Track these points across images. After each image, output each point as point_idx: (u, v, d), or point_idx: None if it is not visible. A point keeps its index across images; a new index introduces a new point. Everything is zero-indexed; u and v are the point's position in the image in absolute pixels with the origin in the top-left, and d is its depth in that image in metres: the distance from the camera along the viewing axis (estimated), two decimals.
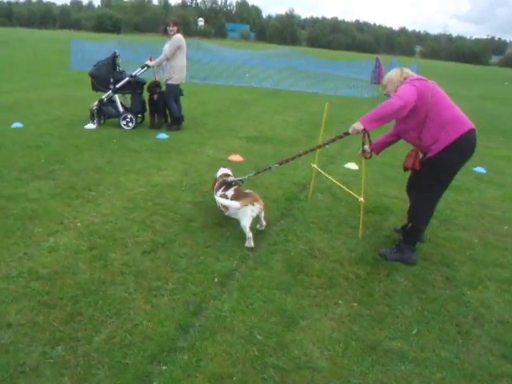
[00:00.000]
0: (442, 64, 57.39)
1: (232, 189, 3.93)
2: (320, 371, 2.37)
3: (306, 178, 5.52)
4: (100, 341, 2.43)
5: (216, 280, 3.12)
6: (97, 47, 18.67)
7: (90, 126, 7.22)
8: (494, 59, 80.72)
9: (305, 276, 3.30)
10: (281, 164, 4.24)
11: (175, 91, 7.56)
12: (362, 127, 3.46)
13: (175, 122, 7.61)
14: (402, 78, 3.59)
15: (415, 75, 3.63)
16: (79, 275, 3.03)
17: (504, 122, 12.29)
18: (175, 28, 7.13)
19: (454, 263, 3.72)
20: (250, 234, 3.63)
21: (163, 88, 7.52)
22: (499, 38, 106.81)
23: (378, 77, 15.68)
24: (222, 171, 4.31)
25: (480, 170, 6.73)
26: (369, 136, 3.69)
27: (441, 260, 3.75)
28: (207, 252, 3.50)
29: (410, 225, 3.66)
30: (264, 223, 3.92)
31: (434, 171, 3.47)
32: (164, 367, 2.30)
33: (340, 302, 3.02)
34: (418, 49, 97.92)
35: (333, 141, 3.88)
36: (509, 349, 2.70)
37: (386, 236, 4.13)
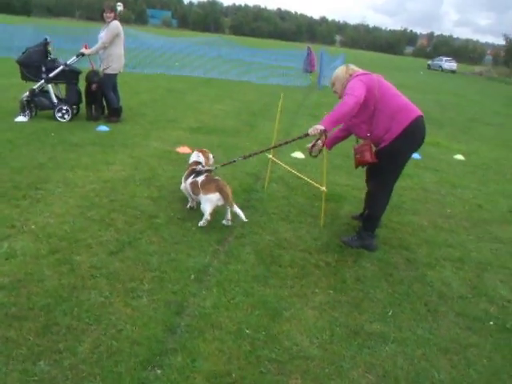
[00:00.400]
0: (364, 54, 60.05)
1: (203, 175, 3.87)
2: (313, 359, 2.44)
3: (256, 167, 5.57)
4: (85, 351, 2.30)
5: (192, 277, 3.07)
6: (10, 31, 17.21)
7: (21, 118, 6.69)
8: (408, 50, 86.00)
9: (278, 267, 3.35)
10: (245, 158, 4.23)
11: (113, 81, 7.23)
12: (322, 128, 3.54)
13: (114, 113, 7.28)
14: (348, 74, 3.72)
15: (360, 70, 3.77)
16: (46, 282, 2.83)
17: (426, 110, 13.16)
18: (112, 14, 6.78)
19: (411, 246, 3.96)
20: (208, 217, 3.69)
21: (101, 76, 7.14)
22: (411, 30, 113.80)
23: (309, 65, 16.05)
24: (193, 157, 4.21)
25: (416, 156, 7.19)
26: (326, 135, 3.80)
27: (399, 244, 3.98)
28: (177, 248, 3.42)
29: (367, 212, 3.82)
30: (229, 218, 3.89)
31: (388, 160, 3.64)
32: (159, 371, 2.24)
33: (317, 290, 3.11)
34: (338, 38, 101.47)
35: (293, 140, 3.95)
36: (471, 321, 2.95)
37: (345, 223, 4.29)
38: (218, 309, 2.76)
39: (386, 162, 3.65)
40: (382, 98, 3.58)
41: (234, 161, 4.19)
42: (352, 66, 3.78)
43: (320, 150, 3.83)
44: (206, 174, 3.93)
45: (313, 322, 2.76)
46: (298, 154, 6.52)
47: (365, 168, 4.03)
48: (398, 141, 3.55)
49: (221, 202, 3.73)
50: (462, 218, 4.83)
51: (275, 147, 4.24)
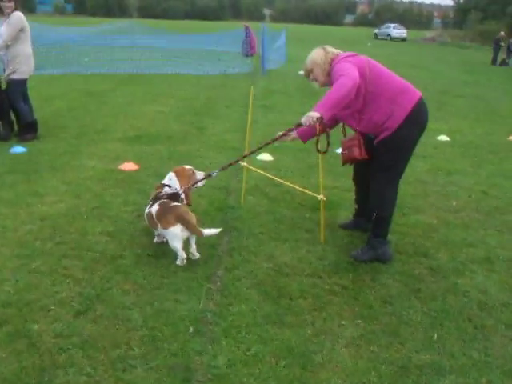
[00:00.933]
0: (303, 28, 61.33)
1: (157, 203, 3.67)
2: None
3: (224, 179, 5.44)
4: None
5: (191, 330, 2.91)
6: None
7: None
8: (349, 19, 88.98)
9: (288, 300, 3.26)
10: (223, 170, 4.10)
11: (23, 88, 6.82)
12: (318, 115, 3.49)
13: (28, 129, 6.86)
14: (329, 58, 3.71)
15: (342, 52, 3.77)
16: (1, 368, 2.55)
17: None
18: (12, 3, 6.36)
19: (429, 251, 4.01)
20: (183, 255, 3.55)
21: (4, 86, 6.70)
22: None
23: (249, 48, 16.09)
24: (165, 179, 3.97)
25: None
26: (326, 130, 3.76)
27: (415, 250, 4.02)
28: (159, 295, 3.24)
29: (376, 215, 3.83)
30: (194, 250, 3.69)
31: (392, 151, 3.66)
32: None
33: (343, 322, 3.05)
34: (267, 12, 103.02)
35: (284, 135, 3.87)
36: None
37: (347, 234, 4.28)
38: (235, 366, 2.62)
39: (392, 154, 3.67)
40: (376, 80, 3.59)
41: (210, 175, 4.04)
42: (330, 48, 3.77)
43: (328, 143, 3.79)
44: (160, 202, 3.68)
45: (352, 363, 2.69)
46: (266, 157, 6.45)
47: (353, 165, 4.04)
48: (404, 127, 3.57)
49: (186, 234, 3.55)
50: (471, 209, 4.97)
51: (252, 152, 4.12)
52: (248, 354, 2.73)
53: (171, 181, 3.91)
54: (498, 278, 3.65)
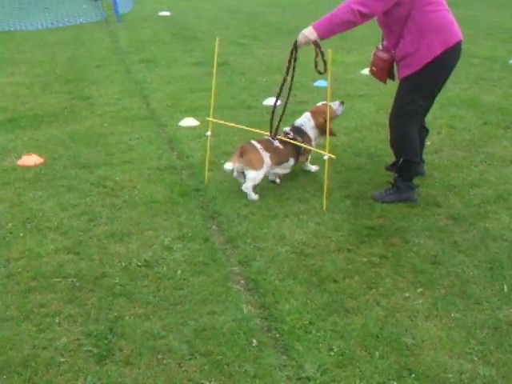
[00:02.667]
0: None
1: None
2: None
3: (160, 157, 5.32)
4: None
5: (254, 342, 2.91)
6: None
7: None
8: None
9: (334, 283, 3.39)
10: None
11: None
12: (313, 37, 3.83)
13: None
14: None
15: None
16: None
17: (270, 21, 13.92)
18: None
19: (439, 200, 4.41)
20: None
21: None
22: None
23: None
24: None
25: (321, 83, 7.66)
26: (321, 50, 3.97)
27: (425, 201, 4.37)
28: (187, 312, 3.18)
29: (402, 159, 4.15)
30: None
31: (414, 90, 3.96)
32: None
33: (406, 294, 3.25)
34: None
35: (289, 63, 4.16)
36: None
37: (345, 196, 4.47)
38: (330, 371, 2.70)
39: (409, 93, 3.99)
40: (422, 3, 3.80)
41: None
42: None
43: (325, 62, 4.02)
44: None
45: (446, 335, 2.92)
46: (190, 121, 6.36)
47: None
48: (428, 70, 3.87)
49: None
50: (449, 147, 5.47)
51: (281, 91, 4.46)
52: (333, 353, 2.81)
53: (304, 119, 4.70)
54: None
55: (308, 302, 3.20)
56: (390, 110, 4.23)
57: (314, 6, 16.33)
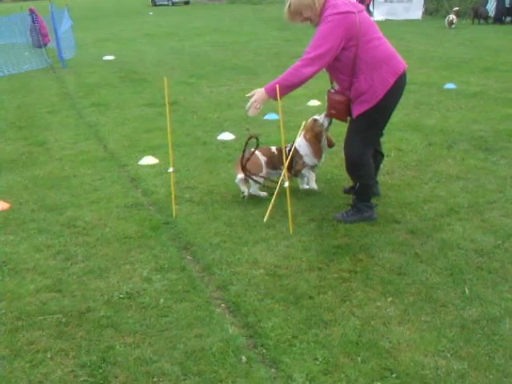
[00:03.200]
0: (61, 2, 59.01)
1: None
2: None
3: (126, 195, 5.46)
4: None
5: (244, 359, 3.08)
6: None
7: None
8: None
9: (310, 300, 3.59)
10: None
11: None
12: (266, 97, 4.15)
13: None
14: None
15: None
16: None
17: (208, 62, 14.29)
18: None
19: (397, 217, 4.67)
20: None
21: None
22: None
23: (41, 36, 15.31)
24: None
25: (272, 116, 7.99)
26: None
27: (384, 218, 4.64)
28: (175, 337, 3.31)
29: (359, 184, 4.47)
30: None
31: (370, 124, 4.31)
32: None
33: (378, 304, 3.49)
34: None
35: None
36: None
37: (309, 219, 4.72)
38: (318, 378, 2.88)
39: (365, 125, 4.31)
40: (362, 38, 4.08)
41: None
42: None
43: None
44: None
45: (419, 337, 3.16)
46: (150, 159, 6.54)
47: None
48: (382, 102, 4.18)
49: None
50: (400, 167, 5.83)
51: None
52: (319, 362, 3.01)
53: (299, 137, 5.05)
54: (474, 224, 4.45)
55: (288, 318, 3.40)
56: (342, 138, 4.52)
57: (253, 43, 16.89)
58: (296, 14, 4.22)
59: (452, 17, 20.69)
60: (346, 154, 4.49)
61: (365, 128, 4.29)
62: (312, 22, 4.24)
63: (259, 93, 4.20)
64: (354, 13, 4.05)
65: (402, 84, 4.25)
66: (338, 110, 4.42)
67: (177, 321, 3.44)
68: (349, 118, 4.44)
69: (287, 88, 4.15)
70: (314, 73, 4.08)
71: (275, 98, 4.13)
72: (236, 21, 28.07)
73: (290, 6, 4.19)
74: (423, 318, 3.33)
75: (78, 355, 3.18)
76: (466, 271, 3.79)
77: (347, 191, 5.01)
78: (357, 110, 4.24)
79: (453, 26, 20.46)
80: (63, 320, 3.53)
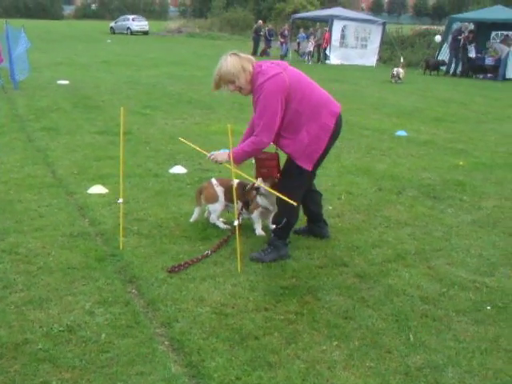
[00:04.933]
0: (15, 23, 58.29)
1: None
2: None
3: (70, 224, 5.36)
4: None
5: None
6: None
7: None
8: (68, 11, 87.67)
9: (256, 340, 3.57)
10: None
11: None
12: (226, 160, 4.37)
13: None
14: (250, 64, 4.29)
15: (252, 58, 4.39)
16: None
17: (166, 92, 14.33)
18: None
19: (345, 260, 4.73)
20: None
21: None
22: None
23: None
24: None
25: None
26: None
27: (332, 262, 4.68)
28: (116, 373, 3.23)
29: (285, 221, 4.52)
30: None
31: (307, 171, 4.44)
32: None
33: (324, 347, 3.51)
34: None
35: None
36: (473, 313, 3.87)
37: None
38: None
39: (299, 172, 4.42)
40: (299, 94, 4.25)
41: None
42: (240, 54, 4.33)
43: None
44: None
45: (364, 383, 3.15)
46: (98, 189, 6.45)
47: None
48: (327, 146, 4.34)
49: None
50: (350, 211, 5.92)
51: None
52: None
53: None
54: (420, 271, 4.54)
55: (233, 358, 3.36)
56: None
57: (210, 78, 16.96)
58: (226, 83, 4.37)
59: (397, 71, 19.17)
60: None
61: (302, 177, 4.46)
62: (243, 90, 4.38)
63: (221, 154, 4.44)
64: (282, 72, 4.21)
65: (340, 124, 4.39)
66: (269, 166, 4.56)
67: (118, 357, 3.35)
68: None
69: (245, 157, 4.42)
70: (270, 140, 4.27)
71: (236, 163, 4.36)
72: (194, 54, 28.32)
73: (219, 75, 4.35)
74: (368, 364, 3.34)
75: None
76: (411, 318, 3.84)
77: (299, 232, 5.05)
78: (308, 163, 4.35)
79: (399, 81, 19.09)
80: None
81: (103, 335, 3.56)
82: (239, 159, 4.34)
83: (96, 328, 3.64)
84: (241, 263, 4.48)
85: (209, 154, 4.50)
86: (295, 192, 4.44)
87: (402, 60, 20.53)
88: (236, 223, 4.47)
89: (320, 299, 4.08)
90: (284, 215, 4.58)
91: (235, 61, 4.26)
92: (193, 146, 4.76)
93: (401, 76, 18.87)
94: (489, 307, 4.03)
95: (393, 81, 18.98)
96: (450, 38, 23.81)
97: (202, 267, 4.54)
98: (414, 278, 4.42)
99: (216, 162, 4.48)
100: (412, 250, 4.94)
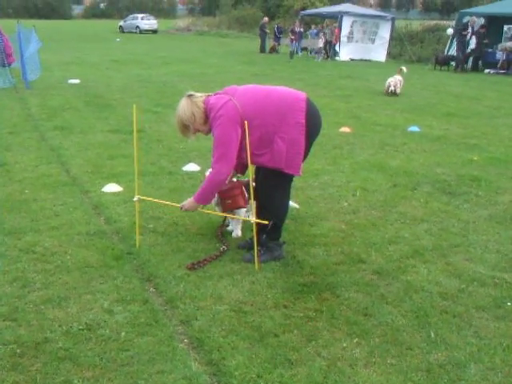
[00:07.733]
0: (27, 24, 58.57)
1: None
2: None
3: (87, 222, 5.35)
4: None
5: None
6: None
7: None
8: (77, 10, 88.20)
9: (275, 338, 3.55)
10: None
11: None
12: (197, 205, 4.46)
13: None
14: (201, 103, 4.31)
15: (202, 94, 4.41)
16: None
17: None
18: None
19: (362, 257, 4.70)
20: None
21: None
22: None
23: (5, 56, 15.04)
24: None
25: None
26: None
27: (349, 258, 4.64)
28: (137, 372, 3.21)
29: (272, 223, 4.45)
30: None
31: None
32: None
33: (344, 344, 3.48)
34: None
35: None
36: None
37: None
38: None
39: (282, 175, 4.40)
40: (256, 109, 4.21)
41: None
42: (192, 93, 4.37)
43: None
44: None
45: (386, 381, 3.14)
46: (113, 187, 6.45)
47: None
48: (308, 144, 4.34)
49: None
50: (365, 207, 5.89)
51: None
52: None
53: None
54: (438, 267, 4.50)
55: (253, 356, 3.34)
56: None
57: (220, 76, 17.04)
58: (185, 129, 4.42)
59: (394, 83, 14.38)
60: (262, 198, 4.52)
61: (285, 177, 4.44)
62: (202, 131, 4.46)
63: (189, 202, 4.47)
64: (230, 99, 4.19)
65: (313, 111, 4.29)
66: (233, 195, 4.58)
67: (138, 355, 3.35)
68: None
69: (209, 194, 4.43)
70: (230, 168, 4.28)
71: (204, 202, 4.47)
72: (203, 52, 28.32)
73: (177, 120, 4.40)
74: (389, 361, 3.31)
75: None
76: (431, 314, 3.81)
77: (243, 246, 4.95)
78: (295, 168, 4.30)
79: (395, 95, 14.37)
80: (18, 351, 3.39)
81: (123, 333, 3.55)
82: (206, 199, 4.43)
83: (115, 326, 3.63)
84: (258, 260, 4.44)
85: (180, 206, 4.56)
86: (279, 190, 4.45)
87: (402, 68, 15.03)
88: (252, 220, 4.44)
89: (339, 296, 4.04)
90: (274, 217, 4.49)
91: (186, 106, 4.29)
92: (160, 201, 5.12)
93: (398, 90, 14.39)
94: (509, 303, 3.98)
95: (387, 95, 14.41)
96: (453, 31, 23.68)
97: (220, 264, 4.52)
98: (432, 274, 4.38)
99: (188, 211, 4.63)
100: (429, 246, 4.90)
